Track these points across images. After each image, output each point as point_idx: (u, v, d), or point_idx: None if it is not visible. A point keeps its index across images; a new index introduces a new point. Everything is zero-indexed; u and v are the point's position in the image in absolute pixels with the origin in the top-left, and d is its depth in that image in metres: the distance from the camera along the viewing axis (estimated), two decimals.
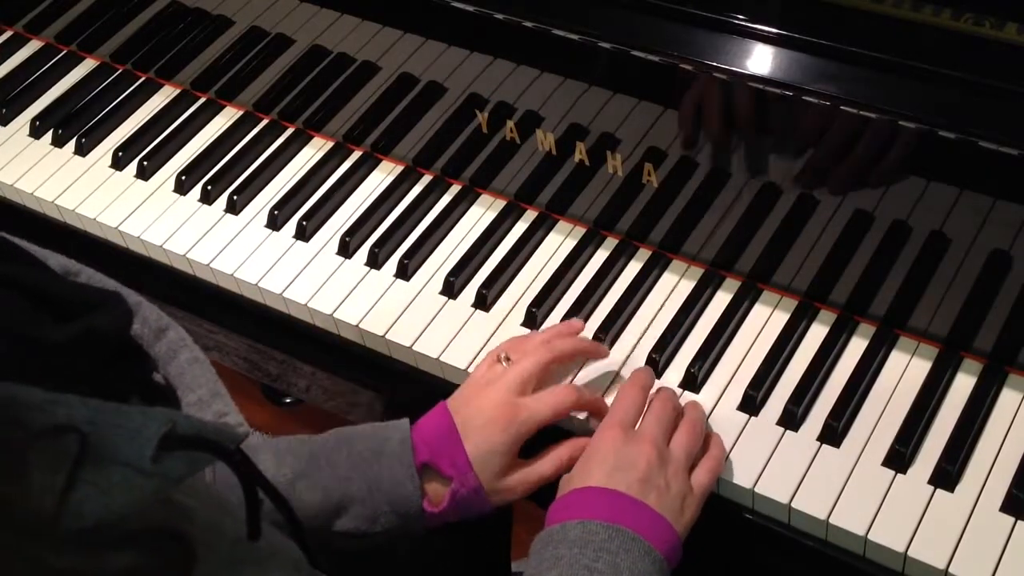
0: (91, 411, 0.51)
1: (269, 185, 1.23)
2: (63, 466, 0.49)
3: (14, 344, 0.54)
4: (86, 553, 0.50)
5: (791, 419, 0.96)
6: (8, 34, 1.44)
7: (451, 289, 1.10)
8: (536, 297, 1.08)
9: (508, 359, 0.96)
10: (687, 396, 0.99)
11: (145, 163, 1.25)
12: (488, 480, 0.92)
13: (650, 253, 1.11)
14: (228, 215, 1.20)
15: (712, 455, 0.93)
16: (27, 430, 0.48)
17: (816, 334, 1.03)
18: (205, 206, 1.21)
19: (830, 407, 0.96)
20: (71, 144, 1.29)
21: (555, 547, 0.83)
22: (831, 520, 0.90)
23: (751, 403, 0.98)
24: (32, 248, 0.66)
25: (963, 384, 0.97)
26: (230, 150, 1.26)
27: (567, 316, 1.05)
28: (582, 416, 0.97)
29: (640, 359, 1.02)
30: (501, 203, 1.17)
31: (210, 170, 1.24)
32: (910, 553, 0.87)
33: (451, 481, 0.91)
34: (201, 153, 1.26)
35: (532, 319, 1.06)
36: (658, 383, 1.00)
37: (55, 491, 0.48)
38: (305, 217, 1.17)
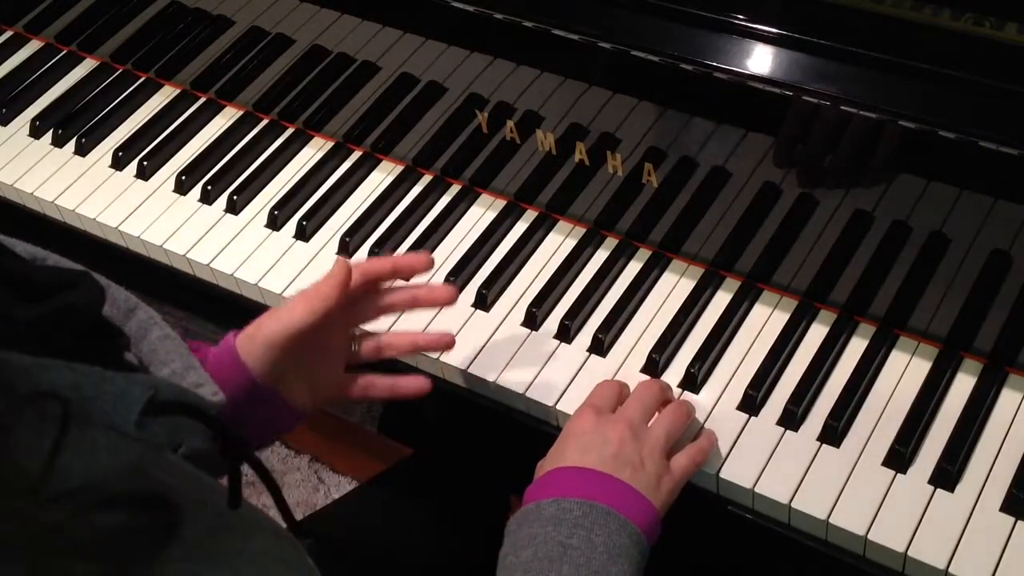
0: (76, 376, 0.52)
1: (269, 185, 1.23)
2: (49, 430, 0.49)
3: None
4: (72, 512, 0.51)
5: (791, 419, 0.96)
6: (8, 34, 1.44)
7: None
8: (536, 297, 1.08)
9: None
10: (687, 396, 0.99)
11: (145, 163, 1.25)
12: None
13: (650, 253, 1.11)
14: (228, 215, 1.20)
15: (697, 443, 0.93)
16: (11, 394, 0.49)
17: (816, 334, 1.03)
18: (205, 206, 1.21)
19: (830, 407, 0.96)
20: (71, 144, 1.29)
21: (530, 526, 0.83)
22: (831, 520, 0.90)
23: (751, 403, 0.98)
24: None
25: (963, 384, 0.97)
26: (230, 150, 1.26)
27: (567, 316, 1.05)
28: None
29: (640, 359, 1.02)
30: (501, 203, 1.17)
31: (210, 170, 1.24)
32: (910, 553, 0.87)
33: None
34: (201, 153, 1.26)
35: (532, 319, 1.06)
36: (655, 380, 1.00)
37: (42, 453, 0.49)
38: (305, 217, 1.17)
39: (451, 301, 0.98)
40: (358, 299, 0.94)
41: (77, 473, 0.50)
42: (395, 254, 0.99)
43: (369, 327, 0.98)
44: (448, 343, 0.99)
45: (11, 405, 0.49)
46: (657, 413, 0.94)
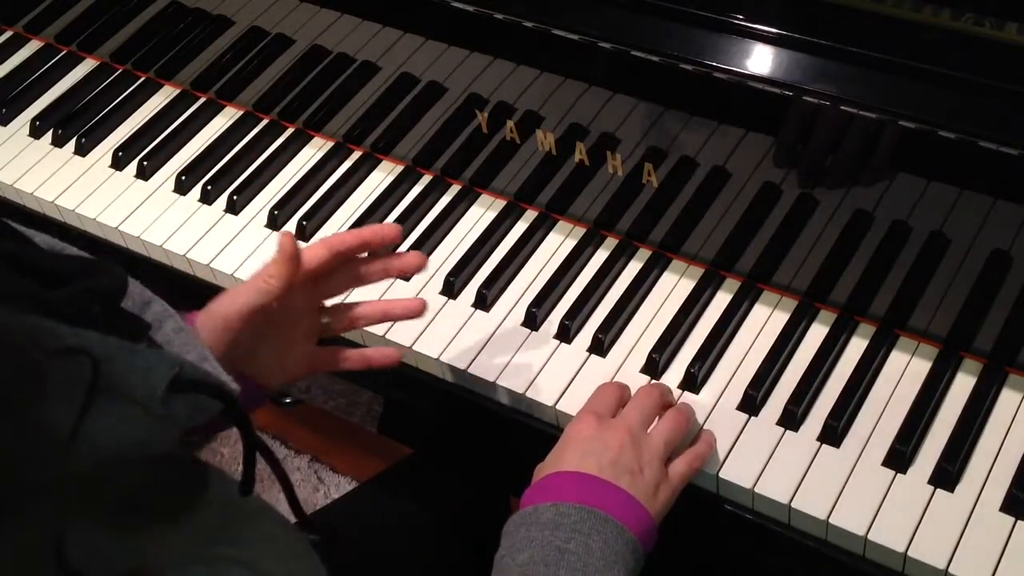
0: (108, 346, 0.52)
1: (269, 185, 1.23)
2: (78, 391, 0.50)
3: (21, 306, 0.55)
4: (98, 465, 0.52)
5: (791, 419, 0.96)
6: (8, 34, 1.44)
7: (451, 289, 1.10)
8: (536, 297, 1.08)
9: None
10: (687, 396, 1.00)
11: (145, 163, 1.25)
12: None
13: (650, 253, 1.11)
14: (228, 215, 1.20)
15: (695, 449, 0.92)
16: (44, 352, 0.49)
17: (816, 334, 1.03)
18: (205, 206, 1.21)
19: (830, 407, 0.96)
20: (71, 144, 1.29)
21: (527, 529, 0.83)
22: (831, 520, 0.90)
23: (751, 403, 0.98)
24: (17, 227, 0.66)
25: (963, 384, 0.97)
26: (230, 150, 1.26)
27: (567, 316, 1.05)
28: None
29: (640, 359, 1.02)
30: (501, 203, 1.17)
31: (210, 170, 1.24)
32: (910, 553, 0.87)
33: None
34: (201, 153, 1.26)
35: (532, 319, 1.06)
36: (656, 384, 1.00)
37: (71, 416, 0.49)
38: (305, 217, 1.17)
39: (422, 266, 0.95)
40: (327, 274, 0.92)
41: (104, 444, 0.51)
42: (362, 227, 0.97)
43: (340, 300, 0.97)
44: (419, 308, 0.96)
45: (45, 356, 0.49)
46: (657, 418, 0.94)
